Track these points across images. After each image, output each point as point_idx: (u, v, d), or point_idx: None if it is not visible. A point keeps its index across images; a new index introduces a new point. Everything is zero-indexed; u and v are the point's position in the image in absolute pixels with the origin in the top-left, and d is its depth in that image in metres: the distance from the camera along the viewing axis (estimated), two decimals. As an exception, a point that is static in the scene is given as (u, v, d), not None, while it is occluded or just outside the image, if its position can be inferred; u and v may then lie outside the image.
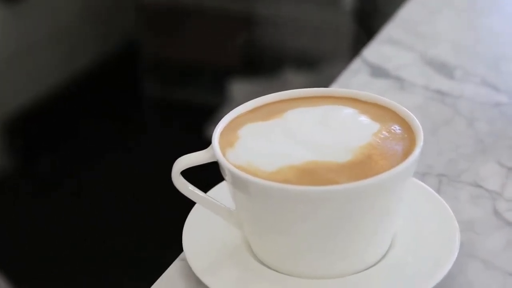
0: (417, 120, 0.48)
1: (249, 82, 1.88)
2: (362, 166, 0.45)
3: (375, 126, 0.48)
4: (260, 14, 1.97)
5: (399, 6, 0.91)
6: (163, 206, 1.45)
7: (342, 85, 0.71)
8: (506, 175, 0.58)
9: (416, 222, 0.51)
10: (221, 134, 0.49)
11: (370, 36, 0.90)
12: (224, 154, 0.47)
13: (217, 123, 0.50)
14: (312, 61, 1.88)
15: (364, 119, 0.49)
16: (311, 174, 0.45)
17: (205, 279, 0.48)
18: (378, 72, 0.74)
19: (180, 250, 0.51)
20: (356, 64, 0.75)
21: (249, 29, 1.99)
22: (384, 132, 0.48)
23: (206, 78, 1.95)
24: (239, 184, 0.46)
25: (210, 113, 1.78)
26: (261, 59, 1.97)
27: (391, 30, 0.82)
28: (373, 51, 0.78)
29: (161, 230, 1.59)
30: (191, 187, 0.50)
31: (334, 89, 0.53)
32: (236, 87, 1.86)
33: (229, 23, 1.96)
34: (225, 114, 0.50)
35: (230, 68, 1.95)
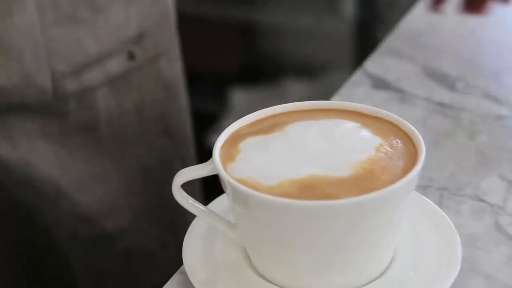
0: (419, 135, 0.48)
1: (249, 90, 1.88)
2: (363, 181, 0.45)
3: (377, 140, 0.48)
4: (261, 23, 1.97)
5: (400, 16, 0.91)
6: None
7: (344, 97, 0.71)
8: (507, 189, 0.58)
9: (417, 236, 0.51)
10: (222, 147, 0.48)
11: (371, 45, 0.90)
12: (225, 168, 0.46)
13: (216, 131, 0.49)
14: (312, 70, 1.88)
15: (366, 133, 0.49)
16: (312, 188, 0.44)
17: (205, 293, 0.48)
18: (379, 84, 0.74)
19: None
20: (358, 76, 0.75)
21: (249, 37, 1.99)
22: (385, 147, 0.47)
23: (205, 86, 1.95)
24: (239, 198, 0.46)
25: (210, 120, 1.77)
26: (261, 67, 1.97)
27: (392, 41, 0.82)
28: (374, 62, 0.78)
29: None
30: (191, 200, 0.50)
31: (336, 102, 0.52)
32: (236, 95, 1.86)
33: (230, 31, 1.96)
34: (225, 122, 0.50)
35: (230, 76, 1.95)
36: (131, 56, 0.72)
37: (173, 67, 0.78)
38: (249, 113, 0.52)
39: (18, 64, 0.64)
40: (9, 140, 0.68)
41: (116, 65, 0.71)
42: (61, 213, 0.71)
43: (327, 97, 0.73)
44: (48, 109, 0.68)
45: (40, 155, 0.69)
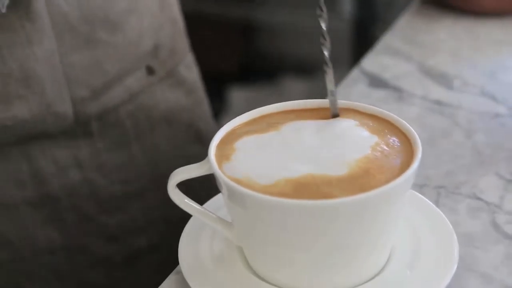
0: (415, 133, 0.47)
1: (248, 89, 1.88)
2: (359, 180, 0.44)
3: (373, 139, 0.48)
4: (259, 22, 1.96)
5: (398, 14, 0.91)
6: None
7: (341, 95, 0.71)
8: (504, 187, 0.58)
9: (414, 235, 0.51)
10: (218, 146, 0.48)
11: (369, 44, 0.90)
12: (220, 167, 0.46)
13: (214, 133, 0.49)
14: (311, 68, 1.88)
15: (362, 131, 0.48)
16: (307, 188, 0.44)
17: (201, 293, 0.47)
18: (376, 82, 0.74)
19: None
20: (355, 74, 0.75)
21: (248, 36, 1.99)
22: (382, 145, 0.47)
23: (204, 84, 1.95)
24: (235, 197, 0.45)
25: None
26: (259, 66, 1.97)
27: (390, 40, 0.82)
28: (372, 61, 0.78)
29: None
30: (187, 200, 0.50)
31: (331, 101, 0.52)
32: (235, 93, 1.86)
33: (228, 30, 1.96)
34: (223, 121, 0.50)
35: (228, 75, 1.94)
36: (150, 70, 0.70)
37: (192, 73, 0.77)
38: (247, 111, 0.52)
39: (39, 95, 0.62)
40: (37, 175, 0.65)
41: (136, 81, 0.69)
42: (86, 237, 0.69)
43: (325, 96, 0.72)
44: (71, 133, 0.66)
45: (69, 187, 0.67)
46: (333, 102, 0.50)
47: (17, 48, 0.60)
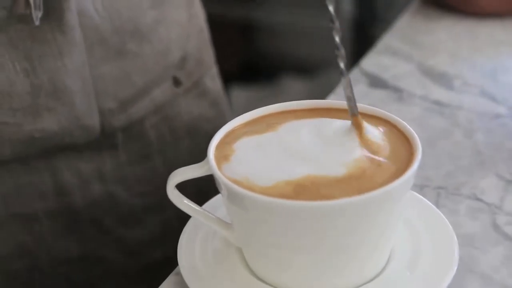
0: (415, 134, 0.47)
1: (248, 88, 1.88)
2: (358, 181, 0.44)
3: (372, 139, 0.47)
4: (259, 21, 1.96)
5: (398, 14, 0.91)
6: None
7: (340, 96, 0.71)
8: (505, 188, 0.58)
9: (414, 236, 0.51)
10: (217, 147, 0.48)
11: (369, 44, 0.90)
12: (219, 168, 0.46)
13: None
14: (311, 68, 1.87)
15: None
16: (307, 189, 0.44)
17: (200, 294, 0.47)
18: (376, 82, 0.74)
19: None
20: (354, 75, 0.75)
21: (248, 36, 1.99)
22: (381, 146, 0.47)
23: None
24: (234, 199, 0.45)
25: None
26: (259, 66, 1.97)
27: (389, 40, 0.82)
28: (371, 61, 0.78)
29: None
30: (186, 200, 0.50)
31: (331, 101, 0.52)
32: (234, 93, 1.86)
33: (228, 29, 1.96)
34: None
35: (228, 74, 1.94)
36: (177, 82, 0.70)
37: (216, 84, 0.77)
38: (248, 111, 0.51)
39: (69, 107, 0.61)
40: (60, 187, 0.65)
41: (162, 93, 0.69)
42: (104, 250, 0.69)
43: (325, 95, 0.72)
44: (96, 146, 0.66)
45: (90, 200, 0.67)
46: (353, 107, 0.48)
47: (48, 60, 0.60)
